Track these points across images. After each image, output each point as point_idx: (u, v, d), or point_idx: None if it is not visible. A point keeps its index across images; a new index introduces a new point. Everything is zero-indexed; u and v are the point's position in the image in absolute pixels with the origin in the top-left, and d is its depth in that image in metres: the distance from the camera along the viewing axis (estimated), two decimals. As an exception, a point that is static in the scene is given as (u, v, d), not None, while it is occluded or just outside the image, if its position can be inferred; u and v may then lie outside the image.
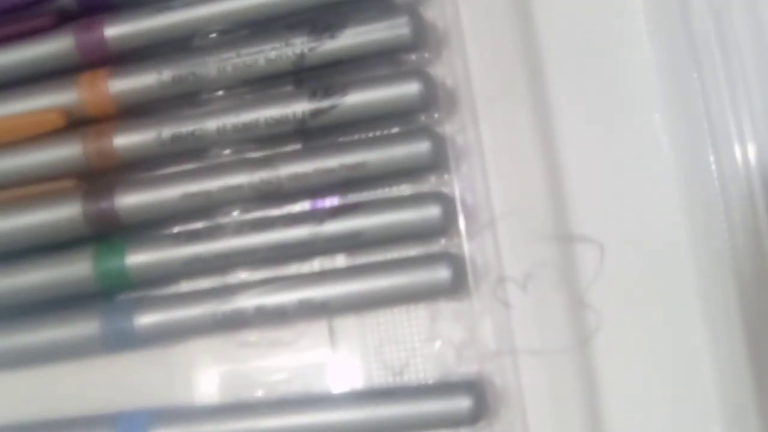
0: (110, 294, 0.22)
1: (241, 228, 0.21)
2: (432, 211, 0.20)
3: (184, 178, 0.21)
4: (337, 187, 0.21)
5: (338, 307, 0.20)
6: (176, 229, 0.22)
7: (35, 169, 0.22)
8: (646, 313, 0.20)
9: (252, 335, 0.21)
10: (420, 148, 0.20)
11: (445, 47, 0.21)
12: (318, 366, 0.21)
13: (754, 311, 0.20)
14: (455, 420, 0.20)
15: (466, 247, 0.21)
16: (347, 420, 0.20)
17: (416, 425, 0.20)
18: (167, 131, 0.21)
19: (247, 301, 0.20)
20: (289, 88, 0.21)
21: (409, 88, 0.20)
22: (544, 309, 0.20)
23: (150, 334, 0.21)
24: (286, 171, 0.20)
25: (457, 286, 0.20)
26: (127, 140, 0.21)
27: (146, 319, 0.21)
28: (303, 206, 0.21)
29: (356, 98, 0.20)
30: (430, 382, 0.21)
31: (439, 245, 0.21)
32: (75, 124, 0.22)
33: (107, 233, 0.22)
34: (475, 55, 0.21)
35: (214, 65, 0.21)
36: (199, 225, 0.21)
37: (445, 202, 0.20)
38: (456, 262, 0.20)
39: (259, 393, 0.21)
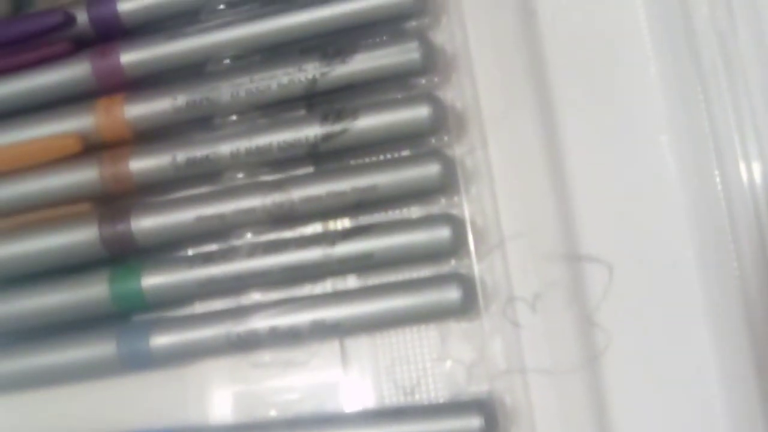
0: (126, 315, 0.22)
1: (255, 250, 0.21)
2: (442, 233, 0.20)
3: (199, 201, 0.21)
4: (348, 209, 0.21)
5: (350, 328, 0.20)
6: (191, 252, 0.22)
7: (52, 193, 0.22)
8: (654, 332, 0.20)
9: (265, 356, 0.21)
10: (430, 170, 0.20)
11: (454, 71, 0.22)
12: (330, 386, 0.21)
13: (762, 329, 0.20)
14: (467, 440, 0.20)
15: (476, 268, 0.21)
16: (360, 439, 0.20)
17: (428, 444, 0.20)
18: (182, 155, 0.22)
19: (261, 322, 0.21)
20: (302, 112, 0.22)
21: (419, 112, 0.20)
22: (553, 328, 0.20)
23: (165, 355, 0.21)
24: (298, 194, 0.21)
25: (467, 307, 0.20)
26: (142, 164, 0.22)
27: (161, 340, 0.21)
28: (315, 228, 0.21)
29: (367, 122, 0.21)
30: (441, 401, 0.21)
31: (450, 266, 0.21)
32: (91, 148, 0.22)
33: (123, 256, 0.22)
34: (483, 79, 0.21)
35: (227, 90, 0.21)
36: (213, 247, 0.22)
37: (455, 223, 0.20)
38: (466, 282, 0.20)
39: (273, 413, 0.22)
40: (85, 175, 0.22)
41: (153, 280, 0.21)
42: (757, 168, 0.20)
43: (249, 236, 0.22)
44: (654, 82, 0.20)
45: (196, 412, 0.22)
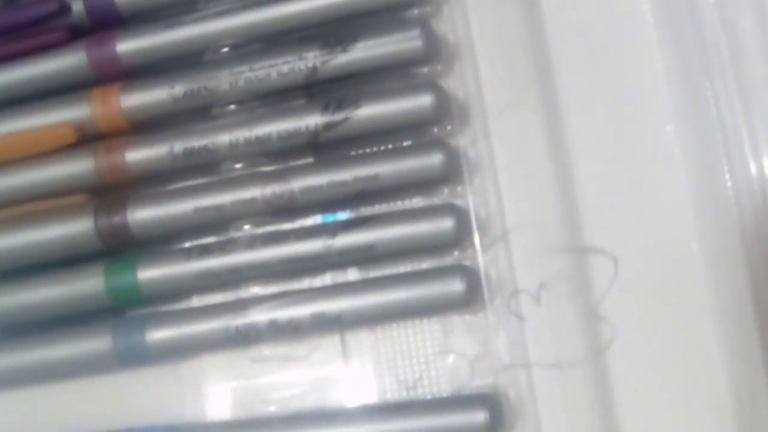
0: (122, 309, 0.22)
1: (254, 242, 0.20)
2: (445, 224, 0.20)
3: (197, 192, 0.21)
4: (350, 200, 0.21)
5: (351, 321, 0.20)
6: (188, 244, 0.22)
7: (47, 184, 0.22)
8: (660, 324, 0.20)
9: (265, 350, 0.21)
10: (433, 160, 0.20)
11: (456, 60, 0.21)
12: (331, 380, 0.21)
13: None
14: (471, 434, 0.19)
15: (480, 260, 0.20)
16: (361, 435, 0.20)
17: (431, 439, 0.20)
18: (179, 146, 0.21)
19: (260, 316, 0.20)
20: (302, 101, 0.21)
21: (421, 101, 0.20)
22: (558, 321, 0.20)
23: (162, 350, 0.21)
24: (298, 184, 0.20)
25: (470, 299, 0.20)
26: (139, 155, 0.21)
27: (158, 335, 0.21)
28: (316, 219, 0.21)
29: (369, 111, 0.20)
30: (444, 395, 0.21)
31: (453, 258, 0.21)
32: (87, 138, 0.22)
33: (119, 248, 0.22)
34: (486, 68, 0.21)
35: (226, 79, 0.21)
36: (211, 239, 0.21)
37: (459, 214, 0.20)
38: (469, 275, 0.20)
39: (272, 408, 0.21)
40: (80, 166, 0.22)
41: (149, 273, 0.21)
42: (765, 158, 0.20)
43: (248, 228, 0.21)
44: (659, 71, 0.20)
45: (194, 408, 0.22)
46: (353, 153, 0.21)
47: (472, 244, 0.20)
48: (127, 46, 0.22)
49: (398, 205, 0.21)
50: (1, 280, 0.22)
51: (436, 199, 0.21)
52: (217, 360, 0.21)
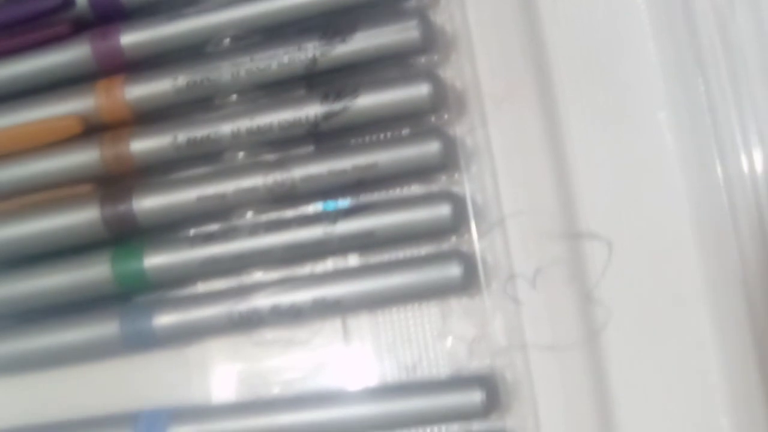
0: (129, 295, 0.22)
1: (256, 229, 0.21)
2: (443, 210, 0.20)
3: (200, 181, 0.21)
4: (349, 187, 0.21)
5: (351, 306, 0.21)
6: (192, 231, 0.22)
7: (54, 174, 0.22)
8: (654, 308, 0.20)
9: (267, 334, 0.22)
10: (430, 148, 0.20)
11: (453, 50, 0.22)
12: (332, 363, 0.22)
13: (761, 306, 0.20)
14: (468, 413, 0.20)
15: (477, 246, 0.21)
16: (362, 415, 0.20)
17: (430, 419, 0.20)
18: (182, 136, 0.22)
19: (263, 301, 0.21)
20: (302, 91, 0.22)
21: (419, 90, 0.20)
22: (553, 305, 0.20)
23: (168, 334, 0.21)
24: (299, 173, 0.21)
25: (467, 284, 0.20)
26: (143, 145, 0.22)
27: (164, 320, 0.21)
28: (316, 207, 0.22)
29: (367, 100, 0.21)
30: (443, 377, 0.21)
31: (450, 243, 0.21)
32: (92, 130, 0.23)
33: (125, 236, 0.22)
34: (483, 58, 0.21)
35: (227, 70, 0.21)
36: (214, 227, 0.22)
37: (456, 201, 0.20)
38: (467, 260, 0.20)
39: (275, 391, 0.22)
40: (86, 157, 0.22)
41: (155, 260, 0.21)
42: (756, 148, 0.20)
43: (250, 215, 0.22)
44: (653, 61, 0.20)
45: (200, 391, 0.22)
46: (352, 142, 0.21)
47: (470, 229, 0.21)
48: (131, 38, 0.22)
49: (397, 192, 0.21)
50: (10, 268, 0.23)
51: (433, 187, 0.21)
52: (221, 344, 0.22)
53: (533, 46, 0.21)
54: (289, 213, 0.22)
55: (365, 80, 0.21)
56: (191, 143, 0.22)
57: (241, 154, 0.22)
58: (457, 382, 0.20)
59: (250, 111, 0.21)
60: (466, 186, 0.21)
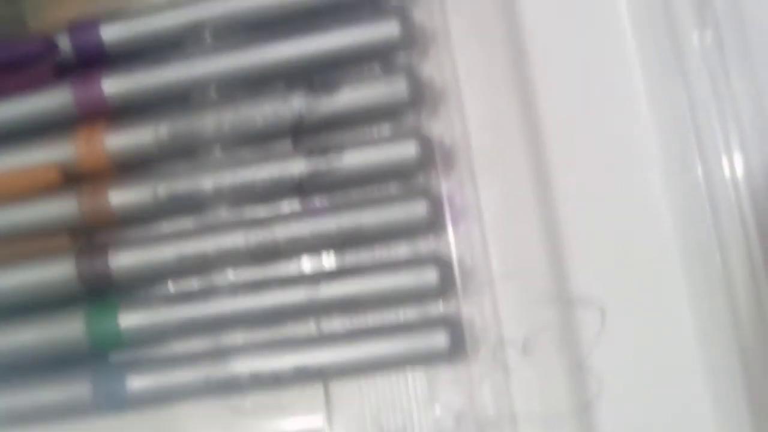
0: (103, 352, 0.21)
1: (237, 290, 0.20)
2: (429, 275, 0.19)
3: (180, 238, 0.21)
4: (334, 247, 0.20)
5: (334, 373, 0.20)
6: (171, 288, 0.21)
7: (30, 224, 0.22)
8: (647, 378, 0.19)
9: (246, 401, 0.21)
10: (417, 209, 0.20)
11: (442, 104, 0.21)
12: (314, 431, 0.21)
13: (758, 376, 0.19)
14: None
15: (465, 310, 0.20)
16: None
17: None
18: (163, 189, 0.21)
19: (242, 366, 0.20)
20: (287, 146, 0.21)
21: (406, 149, 0.20)
22: (544, 373, 0.20)
23: (142, 397, 0.20)
24: (282, 233, 0.20)
25: (455, 352, 0.19)
26: (123, 198, 0.21)
27: (138, 382, 0.20)
28: (299, 266, 0.21)
29: (354, 159, 0.20)
30: (429, 448, 0.20)
31: (438, 308, 0.20)
32: (71, 178, 0.22)
33: (100, 291, 0.21)
34: (473, 113, 0.21)
35: (211, 123, 0.21)
36: (194, 284, 0.21)
37: (443, 265, 0.20)
38: (454, 327, 0.20)
39: (254, 458, 0.21)
40: (63, 207, 0.21)
41: (131, 320, 0.21)
42: (747, 203, 0.20)
43: (231, 274, 0.21)
44: (645, 119, 0.20)
45: (175, 457, 0.21)
46: (338, 201, 0.21)
47: (457, 293, 0.20)
48: (114, 86, 0.22)
49: (383, 252, 0.21)
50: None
51: (421, 246, 0.20)
52: (197, 409, 0.21)
53: (524, 102, 0.20)
54: (271, 271, 0.21)
55: (351, 138, 0.20)
56: (172, 197, 0.21)
57: (223, 209, 0.21)
58: (443, 455, 0.20)
59: (233, 165, 0.21)
60: (454, 247, 0.20)
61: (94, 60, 0.22)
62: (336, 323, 0.20)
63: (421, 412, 0.20)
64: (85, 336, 0.21)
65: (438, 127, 0.21)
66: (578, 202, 0.20)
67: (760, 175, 0.19)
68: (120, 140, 0.21)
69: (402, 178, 0.20)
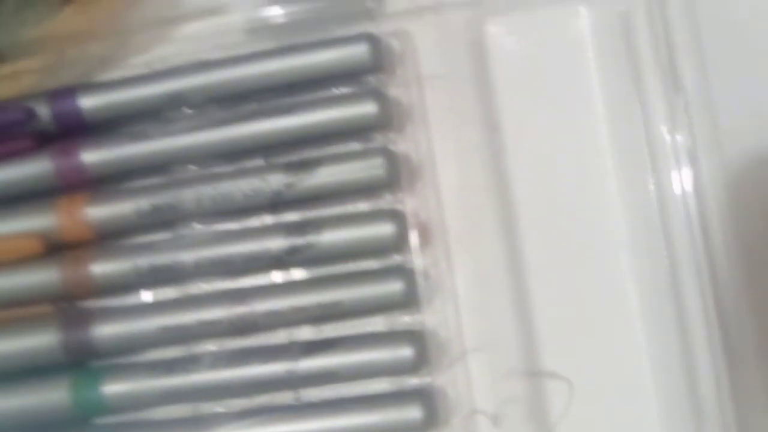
0: (86, 419, 0.22)
1: (217, 362, 0.21)
2: (405, 352, 0.20)
3: (162, 310, 0.21)
4: (312, 321, 0.21)
5: (312, 445, 0.20)
6: (154, 356, 0.22)
7: (11, 294, 0.22)
8: (614, 449, 0.20)
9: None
10: (394, 287, 0.20)
11: (419, 180, 0.22)
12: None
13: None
14: None
15: (438, 381, 0.21)
16: None
17: None
18: (144, 261, 0.21)
19: (222, 435, 0.21)
20: (267, 221, 0.22)
21: (383, 229, 0.20)
22: (514, 444, 0.21)
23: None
24: (261, 307, 0.21)
25: (428, 424, 0.20)
26: (104, 269, 0.22)
27: (120, 451, 0.21)
28: (279, 338, 0.21)
29: (332, 236, 0.21)
30: None
31: (412, 380, 0.21)
32: (53, 247, 0.22)
33: (85, 360, 0.22)
34: (448, 190, 0.21)
35: (191, 197, 0.21)
36: (176, 354, 0.22)
37: (418, 340, 0.20)
38: (427, 399, 0.20)
39: None
40: (45, 277, 0.22)
41: (115, 388, 0.21)
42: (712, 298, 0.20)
43: (212, 346, 0.21)
44: (616, 203, 0.20)
45: None
46: (316, 277, 0.21)
47: (431, 366, 0.21)
48: (93, 157, 0.22)
49: (359, 325, 0.21)
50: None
51: (397, 321, 0.21)
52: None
53: (498, 181, 0.21)
54: (251, 342, 0.21)
55: (330, 214, 0.21)
56: (153, 270, 0.21)
57: (203, 282, 0.22)
58: None
59: (213, 241, 0.21)
60: (429, 321, 0.21)
61: (74, 128, 0.22)
62: (313, 394, 0.21)
63: (395, 479, 0.21)
64: (70, 404, 0.21)
65: (413, 204, 0.21)
66: (549, 279, 0.20)
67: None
68: (101, 212, 0.22)
69: (379, 254, 0.21)
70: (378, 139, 0.21)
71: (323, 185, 0.21)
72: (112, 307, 0.22)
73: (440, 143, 0.21)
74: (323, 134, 0.21)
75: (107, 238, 0.22)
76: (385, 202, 0.21)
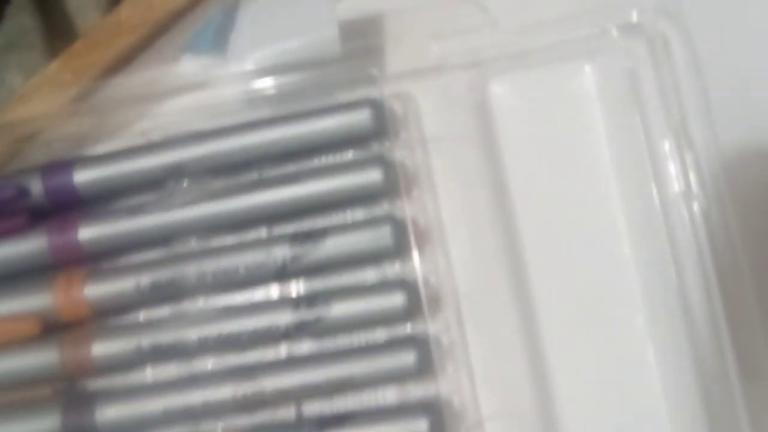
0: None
1: (226, 442, 0.20)
2: (420, 425, 0.20)
3: (166, 390, 0.21)
4: (322, 394, 0.20)
5: None
6: (159, 437, 0.21)
7: (9, 377, 0.21)
8: None
9: None
10: (407, 358, 0.20)
11: (427, 245, 0.21)
12: None
13: None
14: None
15: (454, 452, 0.20)
16: None
17: None
18: (147, 341, 0.21)
19: None
20: (273, 292, 0.21)
21: (393, 299, 0.20)
22: None
23: None
24: (270, 384, 0.20)
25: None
26: (105, 349, 0.21)
27: None
28: (288, 413, 0.21)
29: (342, 309, 0.20)
30: None
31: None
32: (51, 326, 0.21)
33: (88, 444, 0.21)
34: (457, 253, 0.21)
35: (193, 272, 0.21)
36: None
37: (433, 412, 0.20)
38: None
39: None
40: (45, 359, 0.21)
41: (120, 474, 0.20)
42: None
43: (220, 425, 0.21)
44: (629, 264, 0.20)
45: None
46: (325, 351, 0.21)
47: (449, 436, 0.20)
48: (90, 233, 0.21)
49: (371, 397, 0.21)
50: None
51: (410, 392, 0.21)
52: None
53: (508, 241, 0.21)
54: (259, 418, 0.21)
55: (338, 286, 0.20)
56: (155, 349, 0.21)
57: (209, 359, 0.21)
58: None
59: (217, 317, 0.20)
60: (443, 389, 0.20)
61: (68, 203, 0.22)
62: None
63: None
64: (74, 491, 0.21)
65: (424, 268, 0.21)
66: (566, 343, 0.20)
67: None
68: (100, 290, 0.21)
69: (389, 325, 0.21)
70: (384, 205, 0.21)
71: (329, 257, 0.20)
72: (114, 388, 0.21)
73: (447, 206, 0.21)
74: (328, 203, 0.21)
75: (107, 316, 0.21)
76: (394, 270, 0.21)
